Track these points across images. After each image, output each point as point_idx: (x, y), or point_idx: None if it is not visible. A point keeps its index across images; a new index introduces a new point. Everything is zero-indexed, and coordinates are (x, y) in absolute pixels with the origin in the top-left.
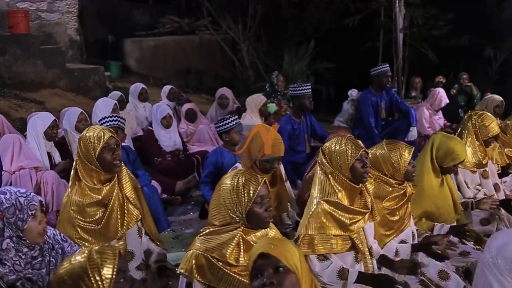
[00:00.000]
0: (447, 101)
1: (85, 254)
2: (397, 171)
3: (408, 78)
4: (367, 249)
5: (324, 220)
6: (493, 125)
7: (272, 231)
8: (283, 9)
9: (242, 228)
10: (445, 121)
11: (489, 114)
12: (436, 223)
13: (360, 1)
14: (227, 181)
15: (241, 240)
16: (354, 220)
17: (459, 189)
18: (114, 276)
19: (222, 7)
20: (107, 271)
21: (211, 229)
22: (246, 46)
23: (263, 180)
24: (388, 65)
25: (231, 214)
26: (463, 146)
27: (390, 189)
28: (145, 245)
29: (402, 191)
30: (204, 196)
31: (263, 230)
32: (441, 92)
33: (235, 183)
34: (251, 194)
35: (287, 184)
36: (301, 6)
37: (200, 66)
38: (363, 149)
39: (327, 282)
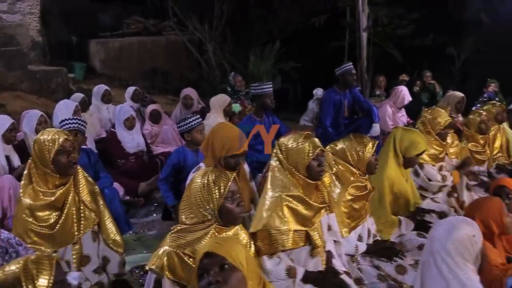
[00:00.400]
0: (410, 98)
1: (20, 264)
2: (360, 160)
3: (373, 77)
4: (322, 243)
5: (287, 215)
6: (442, 117)
7: (243, 233)
8: (249, 9)
9: (215, 225)
10: (408, 119)
11: (437, 108)
12: (401, 220)
13: (326, 0)
14: (197, 179)
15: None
16: (313, 214)
17: (430, 180)
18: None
19: (188, 7)
20: (43, 282)
21: (183, 227)
22: (212, 46)
23: (232, 176)
24: (351, 63)
25: (203, 212)
26: (422, 136)
27: (352, 178)
28: (103, 251)
29: (363, 184)
30: (162, 194)
31: (235, 228)
32: (403, 90)
33: (206, 181)
34: (222, 190)
35: (252, 183)
36: (267, 7)
37: (166, 67)
38: (320, 148)
39: (276, 279)
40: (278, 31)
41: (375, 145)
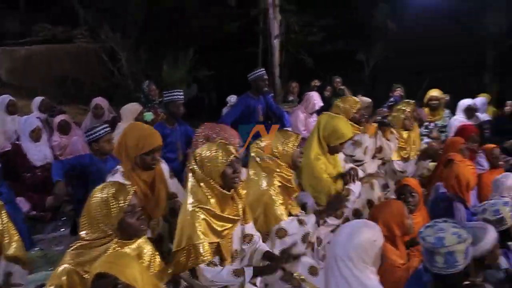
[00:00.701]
0: (321, 104)
1: None
2: (285, 152)
3: (286, 83)
4: (230, 254)
5: (201, 228)
6: (352, 101)
7: (147, 246)
8: (162, 17)
9: (115, 240)
10: None
11: (347, 96)
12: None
13: (239, 7)
14: (96, 194)
15: None
16: (226, 228)
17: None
18: None
19: (100, 15)
20: None
21: (84, 243)
22: (125, 55)
23: (133, 190)
24: (264, 69)
25: (102, 227)
26: (347, 125)
27: (278, 170)
28: (4, 268)
29: (289, 178)
30: (52, 170)
31: (138, 242)
32: (314, 95)
33: (105, 195)
34: (121, 204)
35: (174, 180)
36: (181, 14)
37: (77, 75)
38: (234, 155)
39: (225, 283)
40: (192, 39)
41: (299, 137)
